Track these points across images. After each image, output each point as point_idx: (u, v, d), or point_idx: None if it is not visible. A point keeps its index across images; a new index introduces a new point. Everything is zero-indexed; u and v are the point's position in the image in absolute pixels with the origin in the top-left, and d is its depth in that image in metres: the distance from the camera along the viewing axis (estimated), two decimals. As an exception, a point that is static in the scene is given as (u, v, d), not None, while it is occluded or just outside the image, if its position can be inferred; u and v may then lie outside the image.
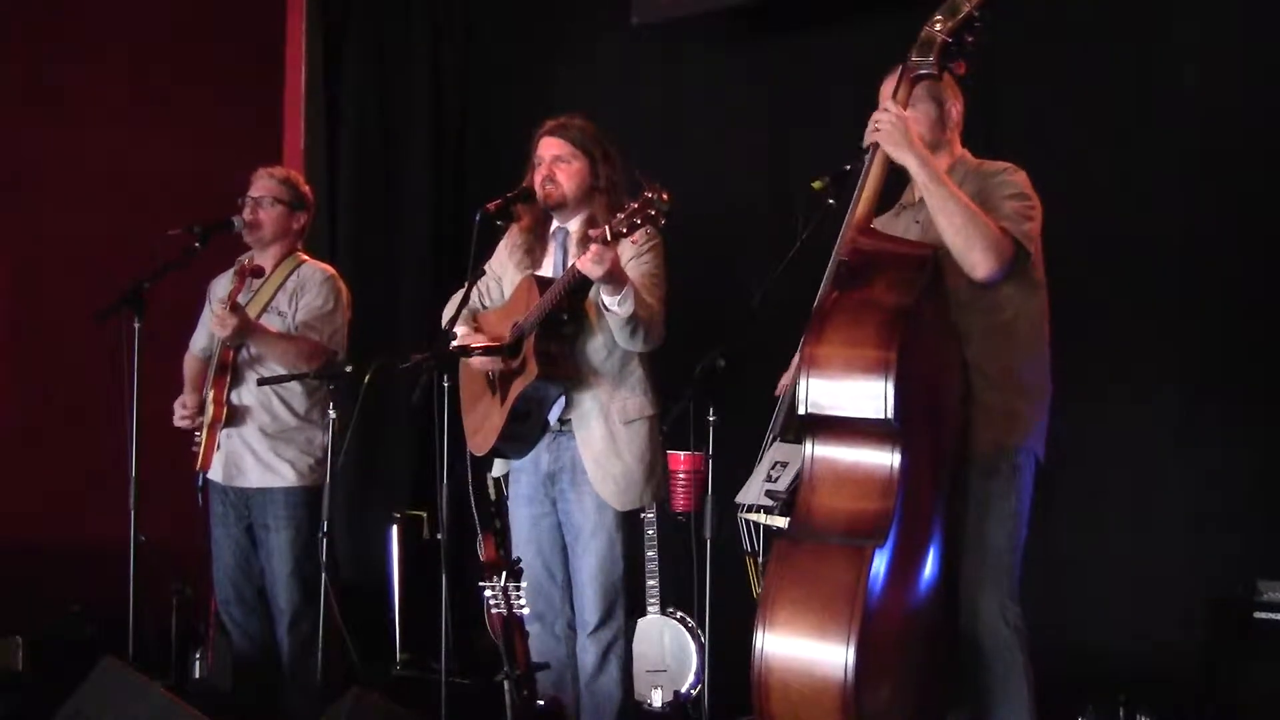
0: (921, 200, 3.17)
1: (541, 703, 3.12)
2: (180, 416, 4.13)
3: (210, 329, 4.12)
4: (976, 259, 2.97)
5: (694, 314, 4.02)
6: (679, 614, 4.65)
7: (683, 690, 4.59)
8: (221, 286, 4.22)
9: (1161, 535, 4.14)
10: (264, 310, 4.12)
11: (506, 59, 5.70)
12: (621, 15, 5.07)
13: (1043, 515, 3.20)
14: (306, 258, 4.26)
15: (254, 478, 4.08)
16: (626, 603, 3.65)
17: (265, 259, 4.19)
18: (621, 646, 3.63)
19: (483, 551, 3.20)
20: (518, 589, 3.12)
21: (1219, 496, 4.07)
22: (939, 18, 3.03)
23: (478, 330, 3.67)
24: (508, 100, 5.59)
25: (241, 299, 4.03)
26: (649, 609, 4.64)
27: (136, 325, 3.99)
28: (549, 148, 3.62)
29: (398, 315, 5.73)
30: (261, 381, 4.00)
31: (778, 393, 3.30)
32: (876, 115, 3.06)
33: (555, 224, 3.70)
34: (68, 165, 5.17)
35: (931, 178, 2.99)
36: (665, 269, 3.58)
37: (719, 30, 5.11)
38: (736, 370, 3.46)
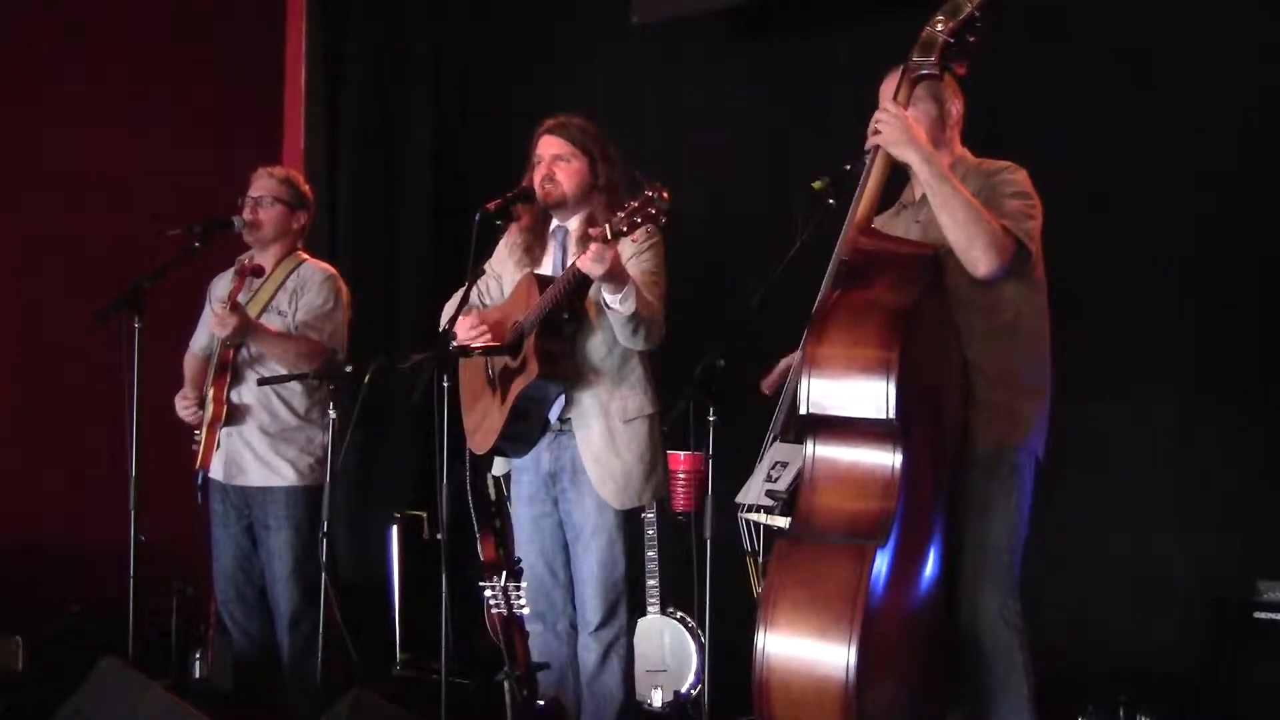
0: (922, 199, 3.17)
1: (542, 703, 3.12)
2: (183, 408, 4.13)
3: (210, 328, 4.12)
4: (978, 256, 2.97)
5: (694, 314, 4.02)
6: (679, 614, 4.65)
7: (683, 690, 4.59)
8: (222, 286, 4.23)
9: (1161, 535, 4.14)
10: (264, 309, 4.12)
11: (506, 59, 5.70)
12: (621, 15, 5.07)
13: (1043, 515, 3.20)
14: (307, 257, 4.27)
15: (254, 476, 4.08)
16: (628, 602, 3.65)
17: (265, 258, 4.19)
18: (623, 646, 3.63)
19: (482, 551, 3.20)
20: (518, 589, 3.12)
21: (1219, 496, 4.07)
22: (940, 18, 3.03)
23: (481, 323, 3.66)
24: (508, 100, 5.59)
25: (242, 298, 4.03)
26: (649, 609, 4.64)
27: (136, 325, 3.99)
28: (549, 146, 3.62)
29: (398, 315, 5.73)
30: (262, 381, 4.00)
31: (765, 389, 3.30)
32: (877, 115, 3.06)
33: (555, 223, 3.70)
34: (68, 165, 5.17)
35: (934, 174, 3.00)
36: (665, 267, 3.58)
37: (719, 30, 5.11)
38: (736, 370, 3.46)
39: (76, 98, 5.22)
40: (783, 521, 2.99)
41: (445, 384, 3.29)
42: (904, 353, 2.79)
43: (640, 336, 3.45)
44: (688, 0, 5.00)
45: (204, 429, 4.07)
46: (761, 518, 3.07)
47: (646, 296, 3.42)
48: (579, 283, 3.34)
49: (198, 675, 4.45)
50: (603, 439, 3.54)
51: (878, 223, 3.19)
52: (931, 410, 2.97)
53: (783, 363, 3.32)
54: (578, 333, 3.54)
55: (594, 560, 3.58)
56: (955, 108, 3.23)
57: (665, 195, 3.09)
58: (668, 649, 4.65)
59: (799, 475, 2.95)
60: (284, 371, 4.03)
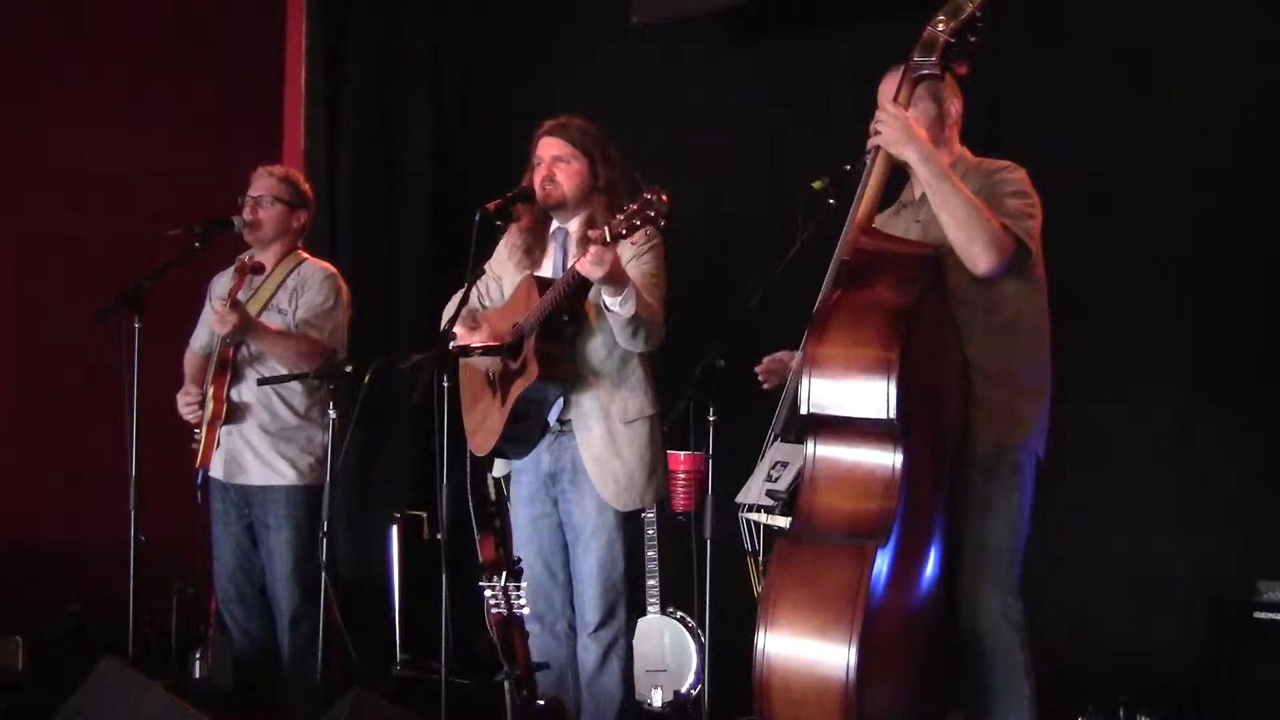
0: (921, 198, 3.17)
1: (541, 703, 3.12)
2: (184, 404, 4.13)
3: (210, 326, 4.12)
4: (977, 254, 2.97)
5: (694, 314, 4.03)
6: (679, 614, 4.65)
7: (683, 690, 4.59)
8: (222, 284, 4.23)
9: (1161, 535, 4.13)
10: (264, 308, 4.12)
11: (506, 59, 5.70)
12: (621, 15, 5.07)
13: (1043, 515, 3.20)
14: (307, 256, 4.27)
15: (255, 475, 4.08)
16: (628, 602, 3.65)
17: (266, 257, 4.19)
18: (623, 646, 3.63)
19: (481, 552, 3.20)
20: (518, 589, 3.12)
21: (1219, 496, 4.07)
22: (941, 18, 3.03)
23: (475, 327, 3.67)
24: (508, 100, 5.59)
25: (242, 296, 4.03)
26: (649, 609, 4.64)
27: (136, 325, 3.99)
28: (549, 148, 3.62)
29: (398, 315, 5.73)
30: (262, 381, 4.00)
31: (761, 379, 3.30)
32: (878, 115, 3.07)
33: (555, 224, 3.70)
34: (68, 165, 5.16)
35: (934, 173, 3.00)
36: (665, 269, 3.59)
37: (719, 30, 5.10)
38: (736, 370, 3.46)
39: (76, 98, 5.22)
40: (783, 521, 2.99)
41: (445, 384, 3.29)
42: (904, 353, 2.79)
43: (640, 339, 3.45)
44: (688, 0, 5.00)
45: (204, 427, 4.07)
46: (762, 517, 3.07)
47: (646, 299, 3.42)
48: (579, 285, 3.34)
49: (198, 675, 4.44)
50: (603, 440, 3.54)
51: (877, 222, 3.19)
52: (932, 410, 2.97)
53: (779, 354, 3.31)
54: (577, 335, 3.54)
55: (593, 561, 3.58)
56: (954, 107, 3.23)
57: (664, 198, 3.09)
58: (668, 649, 4.65)
59: (799, 475, 2.95)
60: (284, 370, 4.03)
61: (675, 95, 5.23)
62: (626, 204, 3.17)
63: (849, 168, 3.19)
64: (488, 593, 3.13)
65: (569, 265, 3.44)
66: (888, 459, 2.83)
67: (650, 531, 4.59)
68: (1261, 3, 4.07)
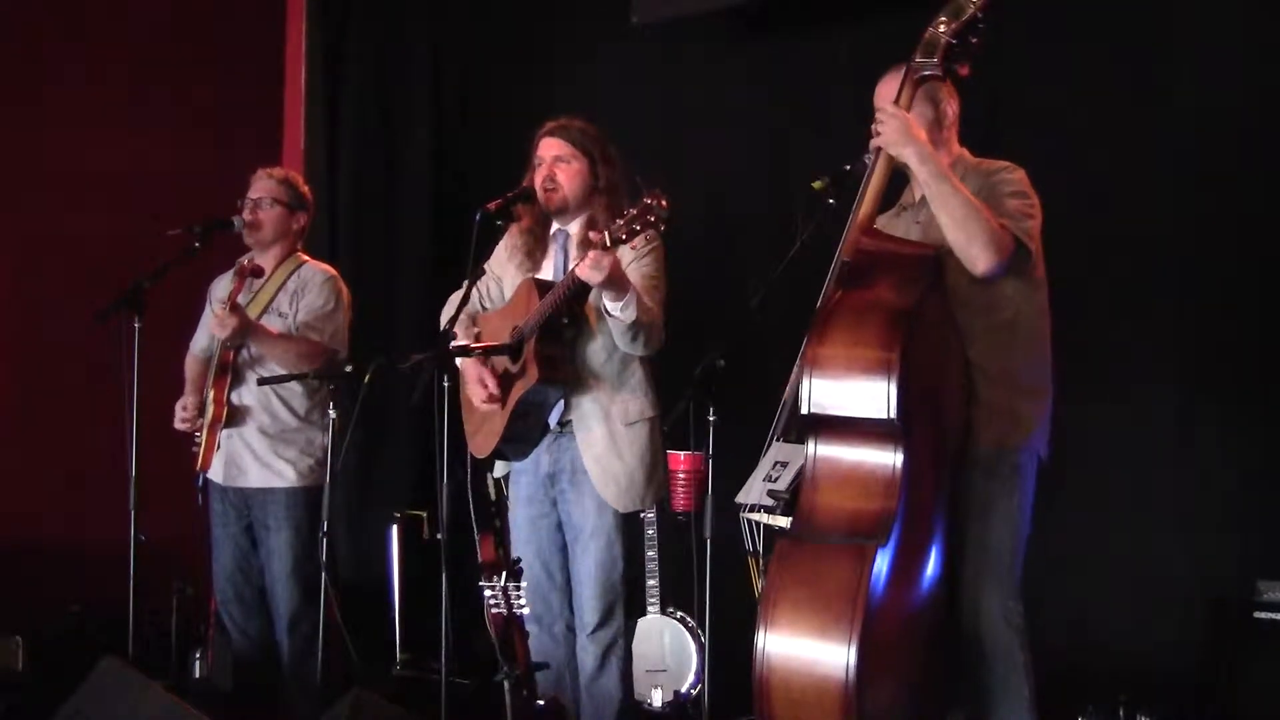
0: (921, 200, 3.18)
1: (541, 703, 3.12)
2: (181, 419, 4.13)
3: (210, 329, 4.12)
4: (976, 254, 2.97)
5: (694, 314, 4.02)
6: (679, 614, 4.65)
7: (683, 690, 4.59)
8: (222, 287, 4.23)
9: (1161, 535, 4.13)
10: (265, 311, 4.12)
11: (506, 59, 5.70)
12: (621, 15, 5.07)
13: (1043, 515, 3.20)
14: (307, 258, 4.27)
15: (254, 478, 4.08)
16: (626, 603, 3.65)
17: (266, 260, 4.19)
18: (621, 647, 3.63)
19: (481, 552, 3.20)
20: (518, 589, 3.12)
21: (1219, 496, 4.07)
22: (943, 19, 3.03)
23: (479, 338, 3.67)
24: (508, 100, 5.59)
25: (242, 299, 4.03)
26: (649, 609, 4.64)
27: (136, 325, 3.99)
28: (549, 148, 3.61)
29: (397, 315, 5.73)
30: (261, 381, 4.00)
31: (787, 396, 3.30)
32: (878, 117, 3.07)
33: (555, 226, 3.70)
34: (68, 165, 5.16)
35: (932, 173, 3.00)
36: (665, 272, 3.58)
37: (719, 30, 5.10)
38: (736, 370, 3.46)
39: (76, 98, 5.22)
40: (784, 521, 2.99)
41: (445, 384, 3.29)
42: (905, 353, 2.79)
43: (640, 343, 3.45)
44: (688, 0, 5.00)
45: (204, 430, 4.07)
46: (763, 517, 3.07)
47: (646, 303, 3.42)
48: (579, 289, 3.34)
49: (198, 675, 4.44)
50: (604, 442, 3.54)
51: (877, 224, 3.19)
52: (933, 410, 2.97)
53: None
54: (578, 337, 3.54)
55: (592, 561, 3.58)
56: (951, 108, 3.23)
57: (664, 203, 3.08)
58: (668, 649, 4.65)
59: (800, 475, 2.95)
60: (284, 372, 4.03)
61: (675, 95, 5.23)
62: (627, 209, 3.16)
63: (849, 168, 3.19)
64: (487, 593, 3.13)
65: (569, 268, 3.43)
66: (889, 459, 2.83)
67: (650, 532, 4.60)
68: (1261, 3, 4.07)
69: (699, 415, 3.70)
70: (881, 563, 2.75)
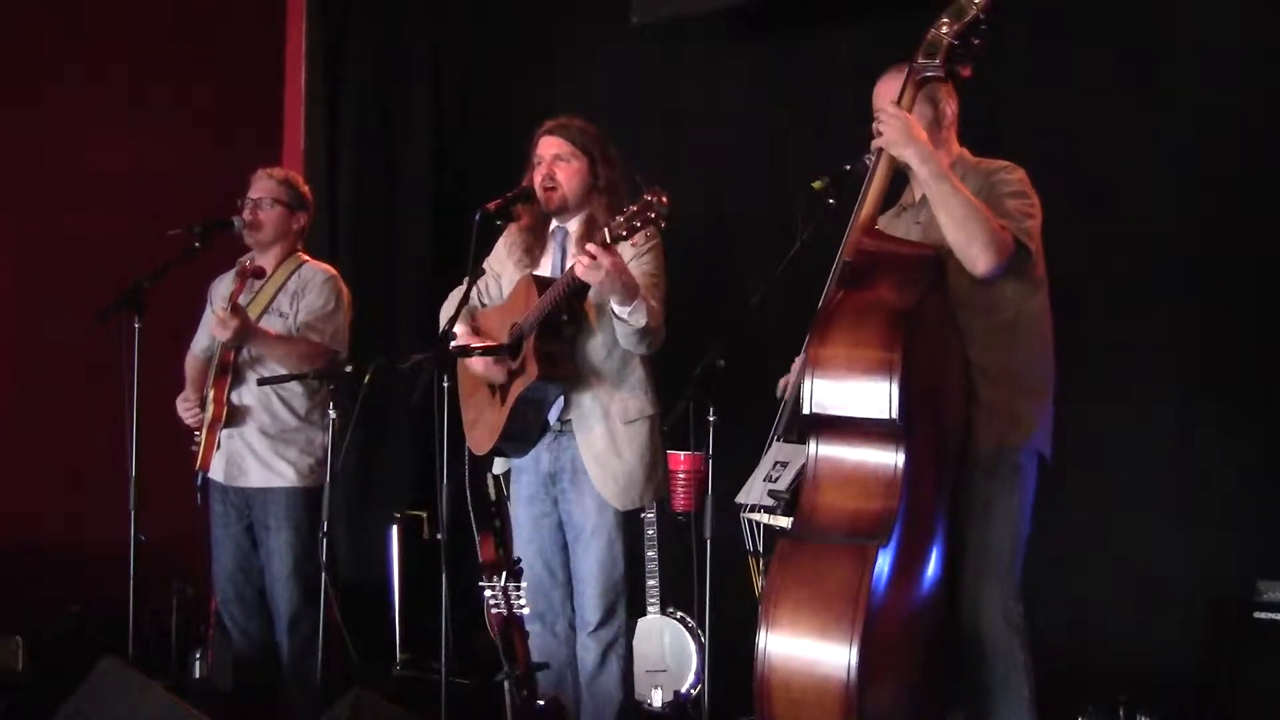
0: (921, 200, 3.18)
1: (541, 703, 3.12)
2: (184, 409, 4.13)
3: (211, 330, 4.12)
4: (976, 254, 2.97)
5: (694, 314, 4.02)
6: (679, 614, 4.65)
7: (683, 690, 4.59)
8: (222, 288, 4.23)
9: (1161, 535, 4.14)
10: (265, 311, 4.12)
11: (506, 59, 5.70)
12: (621, 15, 5.07)
13: (1043, 515, 3.20)
14: (307, 258, 4.27)
15: (255, 478, 4.08)
16: (627, 602, 3.65)
17: (266, 260, 4.19)
18: (622, 646, 3.63)
19: (481, 552, 3.20)
20: (518, 589, 3.12)
21: (1219, 496, 4.07)
22: (945, 20, 3.03)
23: (477, 332, 3.67)
24: (508, 100, 5.59)
25: (242, 300, 4.03)
26: (649, 609, 4.64)
27: (136, 325, 3.99)
28: (549, 147, 3.62)
29: (398, 315, 5.73)
30: (261, 381, 4.00)
31: (779, 394, 3.30)
32: (879, 117, 3.07)
33: (555, 223, 3.70)
34: (68, 165, 5.16)
35: (933, 173, 3.00)
36: (665, 270, 3.59)
37: (719, 30, 5.10)
38: (736, 370, 3.46)
39: (76, 98, 5.22)
40: (785, 521, 2.99)
41: (445, 384, 3.29)
42: (906, 353, 2.80)
43: (645, 344, 3.46)
44: (687, 0, 5.00)
45: (204, 430, 4.07)
46: (763, 517, 3.07)
47: (653, 304, 3.42)
48: (578, 286, 3.34)
49: (198, 675, 4.45)
50: (604, 440, 3.54)
51: (878, 224, 3.18)
52: (934, 410, 2.97)
53: (797, 363, 3.32)
54: (577, 334, 3.54)
55: (593, 560, 3.58)
56: (950, 107, 3.23)
57: (664, 200, 3.09)
58: (668, 649, 4.65)
59: (800, 474, 2.95)
60: (284, 372, 4.03)
61: (675, 95, 5.23)
62: (627, 205, 3.17)
63: (849, 168, 3.19)
64: (488, 593, 3.13)
65: (568, 265, 3.44)
66: (890, 459, 2.83)
67: (650, 531, 4.59)
68: (1262, 3, 4.07)
69: (699, 415, 3.69)
70: (882, 563, 2.75)
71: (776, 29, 4.97)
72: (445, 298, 3.83)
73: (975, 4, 3.01)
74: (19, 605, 4.60)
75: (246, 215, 4.15)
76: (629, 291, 3.29)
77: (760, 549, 3.11)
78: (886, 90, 3.15)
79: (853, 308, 2.92)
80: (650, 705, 4.53)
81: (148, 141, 5.32)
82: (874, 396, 2.80)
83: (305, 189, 4.30)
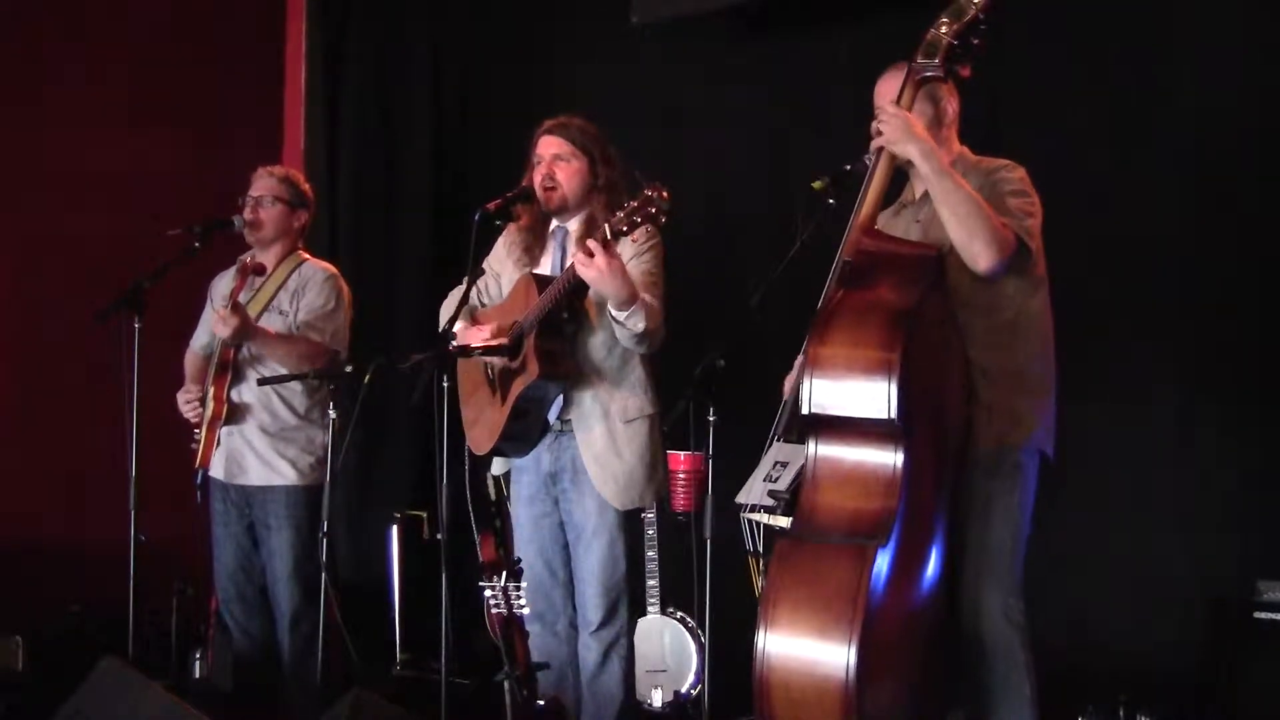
0: (921, 199, 3.18)
1: (542, 703, 3.12)
2: (185, 404, 4.13)
3: (211, 327, 4.12)
4: (979, 251, 2.97)
5: (694, 314, 4.02)
6: (679, 614, 4.65)
7: (683, 690, 4.59)
8: (223, 285, 4.23)
9: (1161, 535, 4.14)
10: (265, 309, 4.12)
11: (506, 59, 5.70)
12: (621, 15, 5.06)
13: (1043, 515, 3.20)
14: (308, 257, 4.27)
15: (255, 476, 4.08)
16: (629, 601, 3.65)
17: (267, 258, 4.19)
18: (624, 646, 3.63)
19: (482, 552, 3.20)
20: (518, 589, 3.12)
21: (1219, 496, 4.07)
22: (944, 20, 3.03)
23: (477, 324, 3.67)
24: (508, 100, 5.59)
25: (243, 297, 4.03)
26: (649, 609, 4.64)
27: (136, 325, 3.99)
28: (549, 146, 3.62)
29: (398, 315, 5.73)
30: (262, 381, 4.00)
31: (786, 395, 3.30)
32: (879, 116, 3.07)
33: (554, 223, 3.70)
34: (68, 165, 5.16)
35: (935, 169, 3.00)
36: (664, 268, 3.59)
37: (719, 30, 5.10)
38: (736, 370, 3.46)
39: (76, 98, 5.22)
40: (785, 521, 2.99)
41: (445, 384, 3.29)
42: (905, 353, 2.79)
43: (644, 344, 3.46)
44: (687, 0, 5.00)
45: (204, 427, 4.07)
46: (763, 517, 3.07)
47: (653, 304, 3.42)
48: (578, 284, 3.34)
49: (198, 675, 4.44)
50: (604, 440, 3.54)
51: (877, 223, 3.19)
52: (934, 410, 2.97)
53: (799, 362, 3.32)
54: (578, 333, 3.54)
55: (595, 560, 3.58)
56: (951, 107, 3.23)
57: (665, 195, 3.09)
58: (668, 649, 4.64)
59: (800, 474, 2.95)
60: (284, 371, 4.03)
61: (675, 95, 5.23)
62: (627, 201, 3.17)
63: (849, 168, 3.19)
64: (488, 593, 3.13)
65: (568, 264, 3.44)
66: (889, 459, 2.83)
67: (650, 531, 4.59)
68: (1261, 3, 4.07)
69: (699, 415, 3.69)
70: (882, 563, 2.75)
71: (776, 29, 4.97)
72: (445, 298, 3.83)
73: (974, 4, 3.01)
74: (19, 605, 4.59)
75: (247, 213, 4.15)
76: (626, 292, 3.29)
77: (760, 549, 3.11)
78: (887, 90, 3.15)
79: (852, 307, 2.92)
80: (650, 705, 4.53)
81: (148, 141, 5.31)
82: (873, 396, 2.80)
83: (306, 187, 4.30)
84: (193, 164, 5.31)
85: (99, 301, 4.02)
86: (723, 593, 3.62)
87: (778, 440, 3.14)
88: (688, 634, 4.62)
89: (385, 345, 4.47)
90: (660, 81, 5.27)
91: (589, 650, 3.61)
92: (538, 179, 3.59)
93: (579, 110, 3.71)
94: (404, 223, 5.88)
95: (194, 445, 4.12)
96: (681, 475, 4.68)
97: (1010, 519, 3.09)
